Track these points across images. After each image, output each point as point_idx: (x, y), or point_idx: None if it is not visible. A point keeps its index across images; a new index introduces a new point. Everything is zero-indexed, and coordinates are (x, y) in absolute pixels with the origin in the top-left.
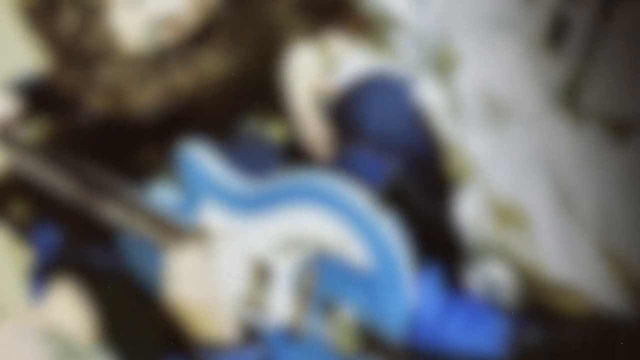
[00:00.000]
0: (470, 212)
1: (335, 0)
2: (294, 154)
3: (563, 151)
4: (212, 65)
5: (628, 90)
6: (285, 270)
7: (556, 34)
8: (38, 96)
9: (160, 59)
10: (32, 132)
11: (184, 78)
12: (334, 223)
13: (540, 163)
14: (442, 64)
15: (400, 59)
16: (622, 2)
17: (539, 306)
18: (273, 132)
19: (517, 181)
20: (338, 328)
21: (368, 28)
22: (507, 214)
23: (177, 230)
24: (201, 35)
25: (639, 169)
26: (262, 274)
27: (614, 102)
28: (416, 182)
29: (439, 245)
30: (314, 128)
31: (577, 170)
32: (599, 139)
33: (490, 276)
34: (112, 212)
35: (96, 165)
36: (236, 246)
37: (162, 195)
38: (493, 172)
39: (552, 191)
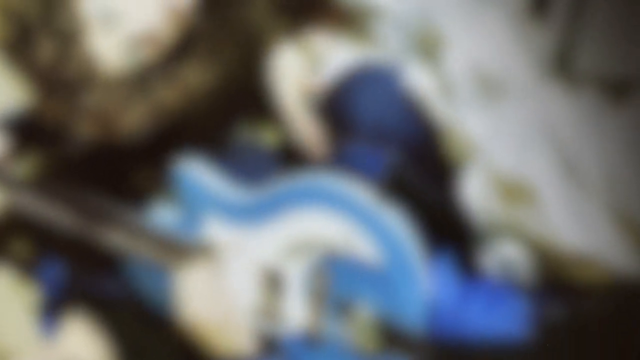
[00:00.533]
0: (475, 193)
1: None
2: (290, 156)
3: (562, 119)
4: (196, 77)
5: (620, 49)
6: (296, 275)
7: (540, 1)
8: (26, 131)
9: (143, 78)
10: (25, 167)
11: (169, 94)
12: (339, 222)
13: (541, 134)
14: (428, 47)
15: (384, 48)
16: None
17: (558, 280)
18: (266, 137)
19: (519, 156)
20: (357, 327)
21: (348, 20)
22: (513, 191)
23: (182, 249)
24: (181, 49)
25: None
26: (273, 283)
27: (607, 63)
28: (417, 170)
29: (449, 231)
30: (306, 128)
31: (578, 137)
32: (597, 102)
33: (504, 256)
34: (115, 239)
35: (93, 192)
36: (244, 258)
37: (163, 215)
38: (494, 149)
39: (556, 161)
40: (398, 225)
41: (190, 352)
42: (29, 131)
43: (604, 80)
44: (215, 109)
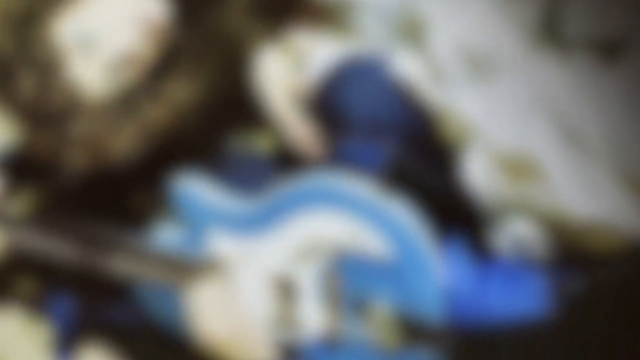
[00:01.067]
0: (479, 174)
1: None
2: (287, 160)
3: (558, 88)
4: (182, 92)
5: (608, 9)
6: (308, 280)
7: None
8: (18, 167)
9: (128, 100)
10: (21, 204)
11: (157, 113)
12: (345, 220)
13: (537, 106)
14: (412, 33)
15: (368, 38)
16: None
17: (573, 252)
18: (260, 143)
19: (518, 130)
20: (376, 325)
21: (328, 15)
22: (517, 167)
23: (190, 267)
24: (163, 66)
25: (637, 84)
26: (286, 290)
27: (596, 25)
28: (416, 158)
29: (457, 216)
30: (299, 129)
31: (576, 103)
32: (590, 65)
33: (516, 234)
34: (120, 265)
35: (92, 221)
36: (253, 268)
37: (166, 235)
38: (492, 127)
39: (556, 131)
40: (405, 217)
41: None
42: (21, 167)
43: (594, 43)
44: (205, 121)
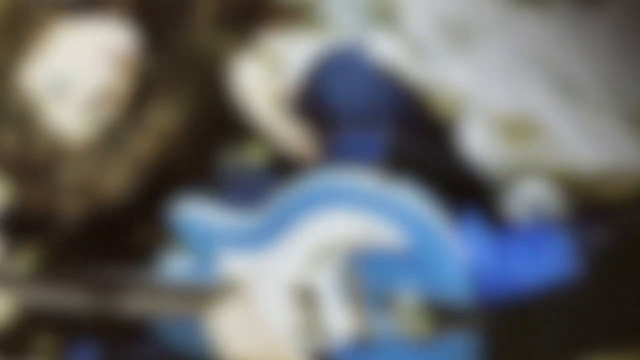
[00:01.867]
0: (480, 143)
1: (251, 1)
2: (283, 167)
3: (543, 41)
4: (164, 119)
5: None
6: (328, 283)
7: None
8: (14, 225)
9: (112, 137)
10: (24, 262)
11: (144, 144)
12: (354, 217)
13: (526, 63)
14: (385, 13)
15: (342, 28)
16: None
17: (590, 205)
18: (253, 155)
19: (511, 91)
20: (404, 316)
21: (297, 13)
22: (517, 129)
23: (206, 294)
24: (140, 96)
25: (622, 23)
26: (308, 297)
27: None
28: (414, 140)
29: (466, 191)
30: (290, 134)
31: (564, 53)
32: (573, 13)
33: (529, 197)
34: (136, 304)
35: (100, 264)
36: (270, 282)
37: (175, 266)
38: (483, 94)
39: (550, 85)
40: (413, 202)
41: None
42: (18, 224)
43: None
44: (193, 144)
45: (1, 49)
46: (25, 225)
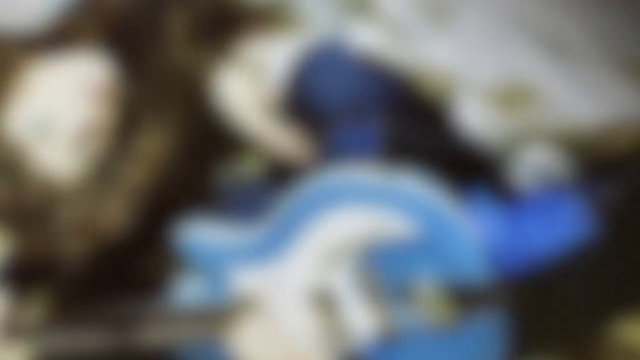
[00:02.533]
0: (476, 117)
1: (222, 13)
2: (281, 174)
3: (522, 2)
4: (154, 144)
5: None
6: (344, 284)
7: None
8: (19, 275)
9: (103, 171)
10: (35, 311)
11: (136, 173)
12: (361, 213)
13: (510, 28)
14: (359, 1)
15: (318, 23)
16: None
17: (597, 162)
18: (248, 167)
19: (499, 59)
20: (426, 305)
21: (270, 16)
22: (511, 96)
23: (223, 314)
24: (126, 125)
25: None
26: (326, 301)
27: None
28: (408, 126)
29: (470, 168)
30: (283, 139)
31: (547, 11)
32: None
33: (534, 164)
34: (155, 335)
35: (112, 301)
36: (286, 291)
37: (188, 290)
38: (472, 66)
39: (538, 45)
40: (418, 188)
41: None
42: (23, 274)
43: None
44: (187, 165)
45: None
46: (29, 272)
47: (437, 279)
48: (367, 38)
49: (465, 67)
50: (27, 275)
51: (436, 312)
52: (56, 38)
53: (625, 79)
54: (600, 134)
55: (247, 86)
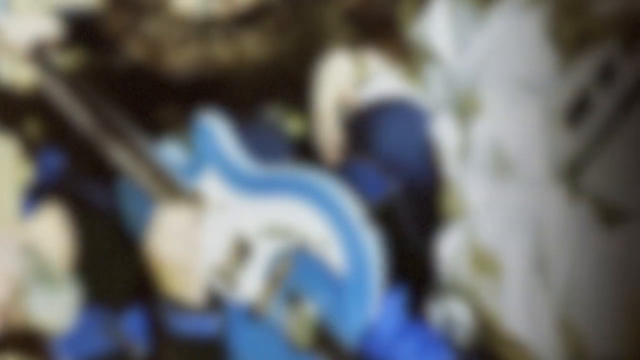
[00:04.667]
0: (450, 249)
1: (384, 20)
2: (305, 151)
3: (552, 220)
4: (253, 47)
5: (627, 181)
6: (264, 254)
7: (577, 111)
8: (82, 29)
9: (205, 28)
10: (66, 60)
11: (223, 52)
12: (322, 224)
13: (528, 224)
14: (464, 108)
15: (427, 92)
16: None
17: (489, 353)
18: (291, 125)
19: (501, 234)
20: (297, 321)
21: (406, 55)
22: (483, 261)
23: (175, 189)
24: (250, 16)
25: (618, 256)
26: (241, 251)
27: (611, 188)
28: (409, 208)
29: (413, 272)
30: (330, 132)
31: (559, 241)
32: (587, 219)
33: (451, 313)
34: (120, 156)
35: (117, 108)
36: (225, 219)
37: (171, 153)
38: (482, 219)
39: (531, 253)
40: (371, 248)
41: (143, 279)
42: (85, 32)
43: (602, 202)
44: (257, 81)
45: None
46: (90, 36)
47: (320, 312)
48: (445, 133)
49: (478, 215)
50: (87, 34)
51: (298, 330)
52: None
53: (560, 331)
54: (509, 341)
55: (347, 79)
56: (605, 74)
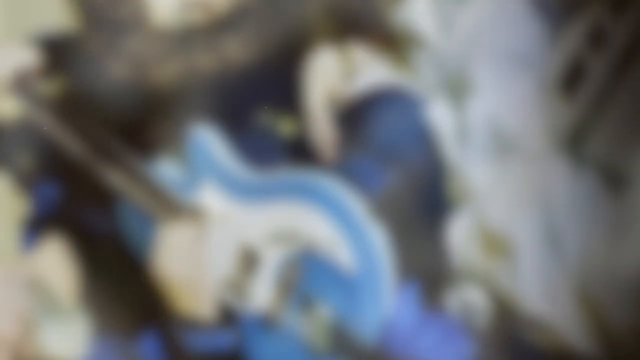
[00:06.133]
0: (460, 235)
1: (366, 11)
2: (300, 151)
3: (559, 192)
4: (235, 51)
5: (629, 145)
6: (272, 261)
7: (571, 79)
8: (61, 54)
9: (186, 38)
10: (49, 87)
11: (206, 60)
12: (327, 224)
13: (535, 200)
14: (457, 90)
15: (417, 78)
16: (638, 61)
17: (510, 335)
18: (283, 127)
19: (510, 214)
20: (313, 325)
21: (392, 43)
22: (494, 244)
23: (175, 206)
24: (229, 21)
25: (629, 220)
26: (249, 261)
27: (614, 153)
28: (413, 198)
29: (424, 262)
30: (324, 130)
31: (569, 213)
32: (594, 186)
33: (468, 300)
34: (115, 178)
35: (107, 130)
36: (229, 230)
37: (166, 170)
38: (489, 201)
39: (542, 229)
40: (379, 243)
41: (154, 300)
42: (65, 56)
43: (606, 168)
44: (245, 86)
45: None
46: (71, 59)
47: (335, 314)
48: (441, 118)
49: (484, 197)
50: (67, 58)
51: (315, 335)
52: None
53: (578, 305)
54: (529, 320)
55: (334, 74)
56: (596, 38)
